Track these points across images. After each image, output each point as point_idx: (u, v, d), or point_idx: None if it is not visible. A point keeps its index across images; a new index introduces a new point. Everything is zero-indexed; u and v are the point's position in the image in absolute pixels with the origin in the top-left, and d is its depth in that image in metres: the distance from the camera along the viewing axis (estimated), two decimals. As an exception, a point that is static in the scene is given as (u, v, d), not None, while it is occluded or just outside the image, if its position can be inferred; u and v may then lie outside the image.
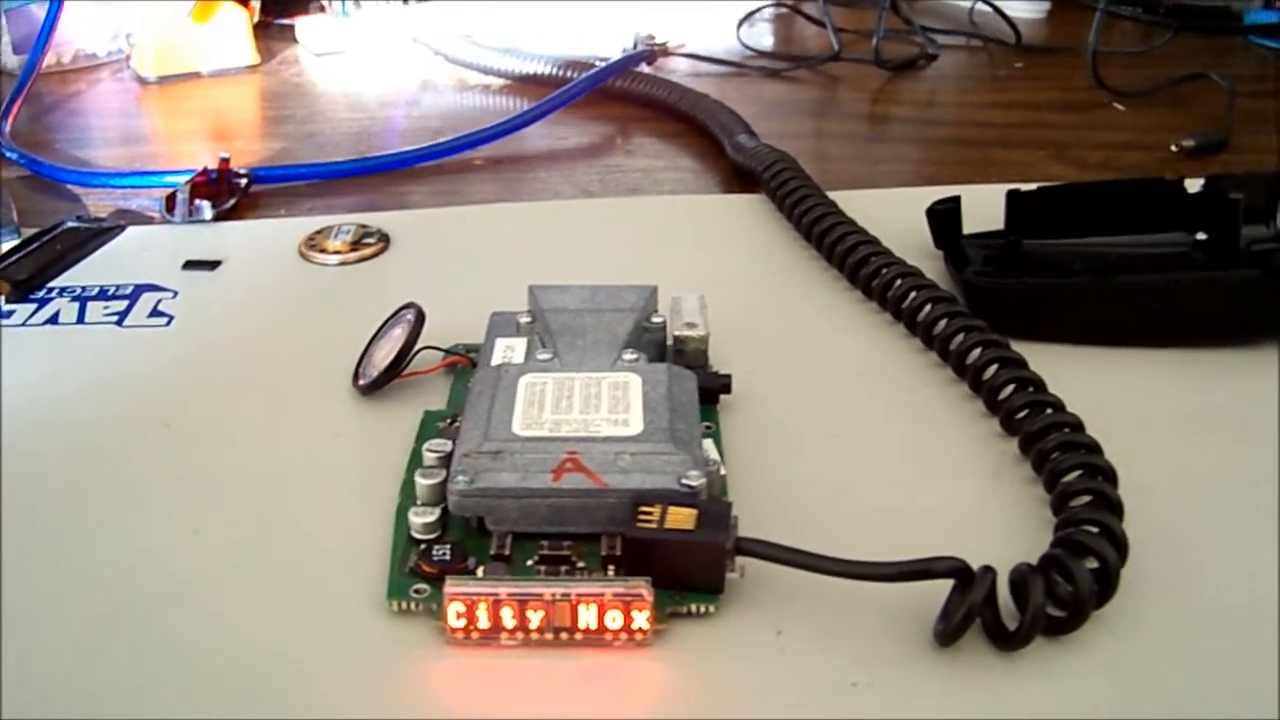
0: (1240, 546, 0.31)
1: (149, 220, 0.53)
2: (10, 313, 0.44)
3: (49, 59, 0.76)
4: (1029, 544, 0.30)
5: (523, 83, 0.73)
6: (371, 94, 0.75)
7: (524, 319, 0.37)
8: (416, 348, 0.37)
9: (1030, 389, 0.35)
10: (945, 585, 0.27)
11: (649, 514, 0.28)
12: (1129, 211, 0.44)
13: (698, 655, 0.27)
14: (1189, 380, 0.38)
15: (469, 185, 0.57)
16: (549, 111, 0.62)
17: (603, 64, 0.68)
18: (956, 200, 0.45)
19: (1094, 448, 0.32)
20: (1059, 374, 0.35)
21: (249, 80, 0.78)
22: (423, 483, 0.31)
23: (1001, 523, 0.32)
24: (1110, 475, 0.31)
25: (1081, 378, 0.36)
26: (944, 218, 0.45)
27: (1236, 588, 0.29)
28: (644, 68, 0.73)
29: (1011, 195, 0.43)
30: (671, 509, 0.28)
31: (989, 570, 0.27)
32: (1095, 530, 0.29)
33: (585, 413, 0.31)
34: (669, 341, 0.37)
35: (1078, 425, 0.33)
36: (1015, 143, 0.63)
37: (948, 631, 0.27)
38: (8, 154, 0.60)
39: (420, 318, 0.37)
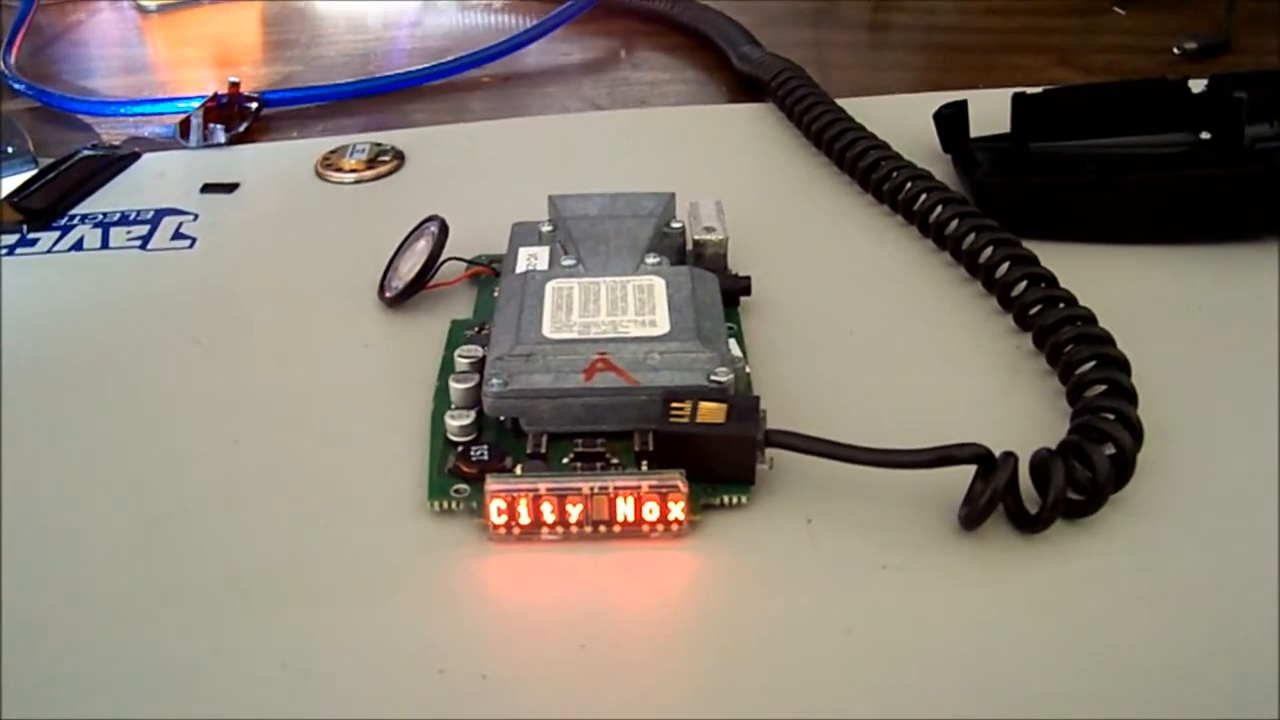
0: (1245, 433, 0.32)
1: (163, 147, 0.53)
2: (35, 240, 0.44)
3: (47, -10, 0.76)
4: (1044, 434, 0.30)
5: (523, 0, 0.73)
6: (373, 15, 0.75)
7: (545, 228, 0.37)
8: (441, 259, 0.38)
9: (1043, 285, 0.36)
10: (967, 473, 0.28)
11: (680, 409, 0.29)
12: (1133, 113, 0.44)
13: (732, 544, 0.28)
14: (1193, 276, 0.39)
15: (477, 102, 0.58)
16: (556, 26, 0.62)
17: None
18: (963, 104, 0.45)
19: (1107, 339, 0.33)
20: (1066, 271, 0.36)
21: (250, 7, 0.77)
22: (457, 387, 0.31)
23: (1017, 414, 0.33)
24: (1124, 365, 0.32)
25: (1088, 274, 0.36)
26: (951, 121, 0.45)
27: (1242, 472, 0.30)
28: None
29: (1017, 98, 0.44)
30: (702, 404, 0.29)
31: (1011, 455, 0.28)
32: (1111, 417, 0.30)
33: (613, 315, 0.31)
34: (688, 246, 0.38)
35: (1091, 318, 0.34)
36: (1017, 48, 0.63)
37: (972, 515, 0.28)
38: (16, 86, 0.60)
39: (444, 229, 0.38)
